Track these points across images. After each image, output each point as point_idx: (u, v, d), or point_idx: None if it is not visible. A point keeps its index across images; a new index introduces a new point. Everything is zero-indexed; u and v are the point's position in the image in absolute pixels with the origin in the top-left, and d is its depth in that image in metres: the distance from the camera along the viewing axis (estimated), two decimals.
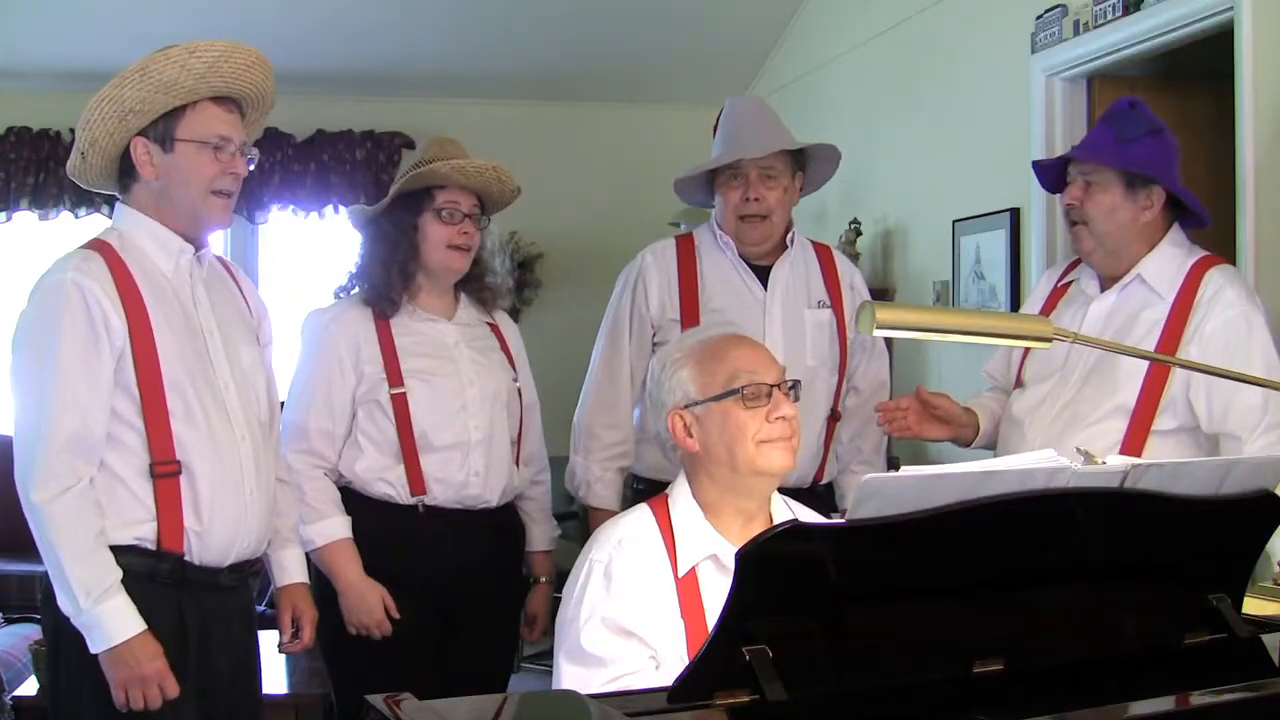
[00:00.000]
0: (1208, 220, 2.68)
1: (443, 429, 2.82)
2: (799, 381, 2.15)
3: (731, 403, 2.05)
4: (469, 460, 2.84)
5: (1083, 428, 2.56)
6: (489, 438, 2.86)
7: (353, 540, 2.81)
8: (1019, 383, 2.79)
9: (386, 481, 2.83)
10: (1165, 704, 1.52)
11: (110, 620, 2.22)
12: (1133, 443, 2.52)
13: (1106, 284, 2.68)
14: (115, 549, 2.25)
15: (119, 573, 2.23)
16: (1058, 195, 2.79)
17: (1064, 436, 2.52)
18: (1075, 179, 2.64)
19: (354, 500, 2.85)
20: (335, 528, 2.80)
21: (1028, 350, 2.77)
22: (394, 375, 2.82)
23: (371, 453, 2.83)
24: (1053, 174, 2.78)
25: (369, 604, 2.77)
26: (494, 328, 3.02)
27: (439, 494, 2.83)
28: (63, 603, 2.23)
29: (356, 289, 2.94)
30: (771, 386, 2.06)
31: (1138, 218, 2.59)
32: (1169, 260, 2.61)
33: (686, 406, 2.09)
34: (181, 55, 2.28)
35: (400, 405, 2.81)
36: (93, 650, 2.23)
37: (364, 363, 2.83)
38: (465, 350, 2.90)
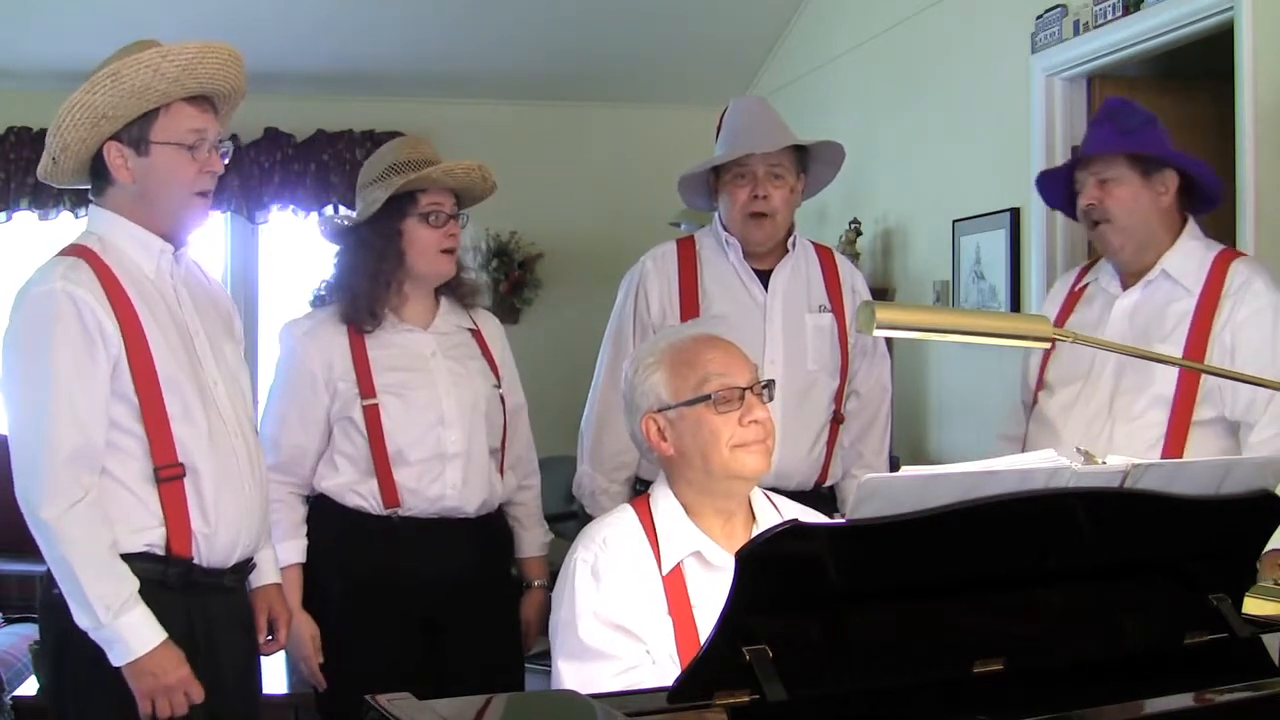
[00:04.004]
0: (1220, 197, 2.72)
1: (418, 443, 2.78)
2: (773, 382, 2.13)
3: (704, 408, 2.04)
4: (445, 473, 2.80)
5: (1124, 423, 2.58)
6: (467, 450, 2.82)
7: (303, 567, 2.78)
8: (1042, 385, 2.80)
9: (358, 494, 2.79)
10: (1165, 704, 1.52)
11: (132, 633, 2.19)
12: (1175, 435, 2.54)
13: (1128, 281, 2.70)
14: (126, 557, 2.22)
15: (135, 583, 2.21)
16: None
17: (1104, 435, 2.54)
18: (1087, 181, 2.65)
19: (327, 508, 2.83)
20: (288, 553, 2.75)
21: (1047, 356, 2.79)
22: (366, 389, 2.77)
23: (347, 469, 2.80)
24: (1058, 187, 2.79)
25: (301, 637, 2.74)
26: (475, 333, 2.96)
27: (413, 505, 2.79)
28: (79, 618, 2.20)
29: (332, 302, 2.86)
30: (744, 389, 2.05)
31: (1157, 203, 2.63)
32: (1191, 254, 2.64)
33: (659, 410, 2.08)
34: (154, 59, 2.24)
35: (373, 418, 2.76)
36: (115, 664, 2.20)
37: (338, 379, 2.79)
38: (442, 361, 2.85)
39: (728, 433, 2.03)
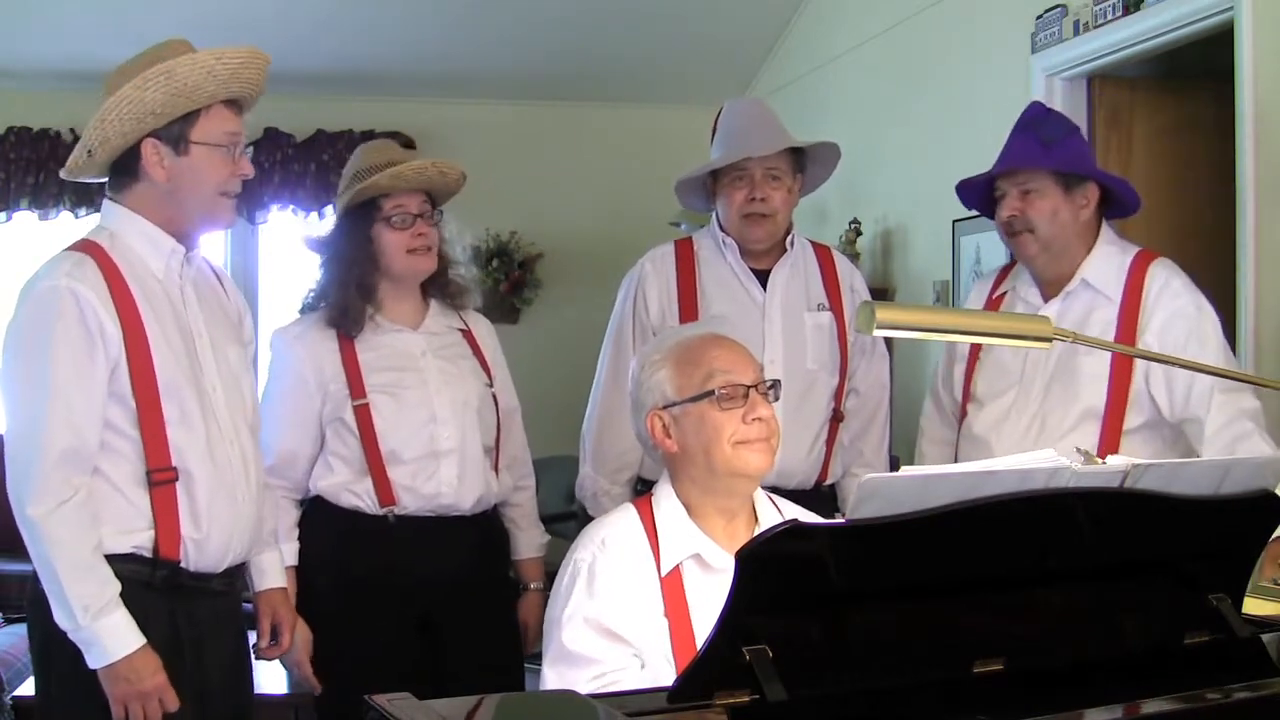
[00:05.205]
0: (1138, 207, 2.72)
1: (410, 441, 2.78)
2: (778, 381, 2.15)
3: (707, 404, 2.05)
4: (440, 470, 2.80)
5: (1056, 438, 2.56)
6: (461, 447, 2.82)
7: (295, 570, 2.77)
8: (969, 398, 2.79)
9: (354, 493, 2.79)
10: (1165, 704, 1.51)
11: (109, 636, 2.19)
12: (1107, 445, 2.53)
13: (1048, 290, 2.70)
14: (112, 557, 2.22)
15: (117, 586, 2.20)
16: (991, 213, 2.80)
17: (1037, 449, 2.52)
18: (1008, 192, 2.67)
19: (323, 509, 2.83)
20: (281, 556, 2.73)
21: (972, 366, 2.78)
22: (357, 390, 2.78)
23: (341, 469, 2.80)
24: (978, 194, 2.79)
25: (295, 640, 2.72)
26: (466, 334, 2.97)
27: (409, 503, 2.79)
28: (59, 618, 2.19)
29: (320, 307, 2.88)
30: (748, 387, 2.06)
31: (1078, 216, 2.64)
32: (1108, 260, 2.66)
33: (664, 407, 2.09)
34: (208, 60, 2.26)
35: (364, 418, 2.77)
36: (91, 666, 2.20)
37: (329, 382, 2.80)
38: (433, 360, 2.86)
39: (730, 429, 2.04)
